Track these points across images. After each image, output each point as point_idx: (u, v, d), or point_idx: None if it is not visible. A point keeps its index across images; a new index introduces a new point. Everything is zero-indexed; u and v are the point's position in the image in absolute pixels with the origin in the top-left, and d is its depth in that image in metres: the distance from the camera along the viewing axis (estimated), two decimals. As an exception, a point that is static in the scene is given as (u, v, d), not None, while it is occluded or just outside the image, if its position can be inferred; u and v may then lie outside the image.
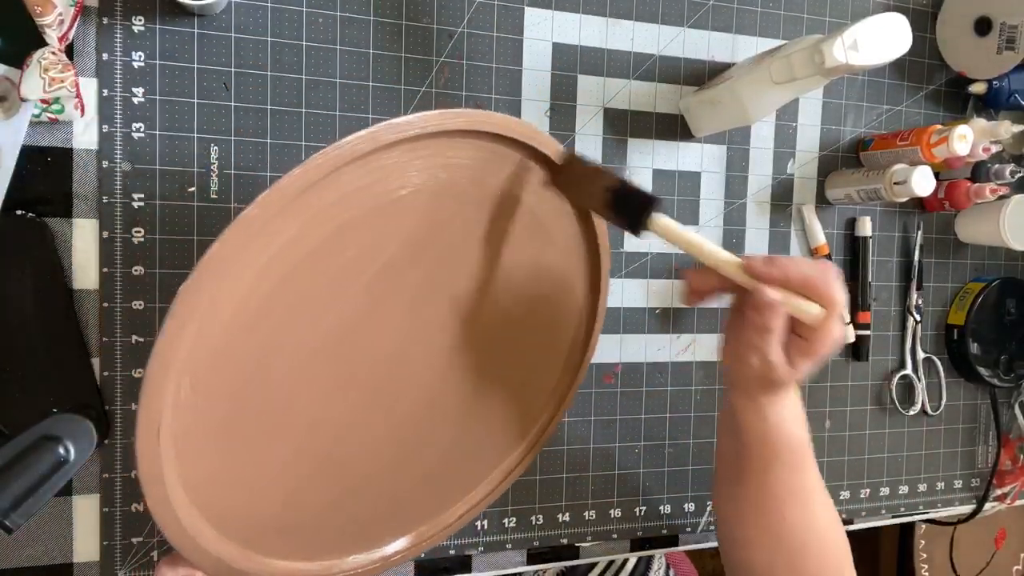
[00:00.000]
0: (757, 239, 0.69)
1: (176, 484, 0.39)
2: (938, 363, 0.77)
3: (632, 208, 0.42)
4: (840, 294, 0.42)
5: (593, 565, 0.78)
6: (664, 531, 0.68)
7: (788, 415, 0.47)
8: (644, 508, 0.67)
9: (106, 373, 0.52)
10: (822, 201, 0.72)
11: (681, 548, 0.70)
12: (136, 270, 0.52)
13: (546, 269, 0.51)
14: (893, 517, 0.78)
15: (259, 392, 0.41)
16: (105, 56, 0.51)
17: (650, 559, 0.81)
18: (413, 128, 0.38)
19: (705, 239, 0.42)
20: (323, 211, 0.38)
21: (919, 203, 0.75)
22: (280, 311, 0.39)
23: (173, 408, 0.37)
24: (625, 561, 0.79)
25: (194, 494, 0.40)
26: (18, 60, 0.47)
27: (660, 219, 0.41)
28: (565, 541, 0.65)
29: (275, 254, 0.37)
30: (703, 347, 0.68)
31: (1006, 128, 0.65)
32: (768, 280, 0.41)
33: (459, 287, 0.48)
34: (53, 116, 0.49)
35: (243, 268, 0.36)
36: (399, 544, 0.53)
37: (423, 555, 0.61)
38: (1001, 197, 0.70)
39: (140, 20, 0.51)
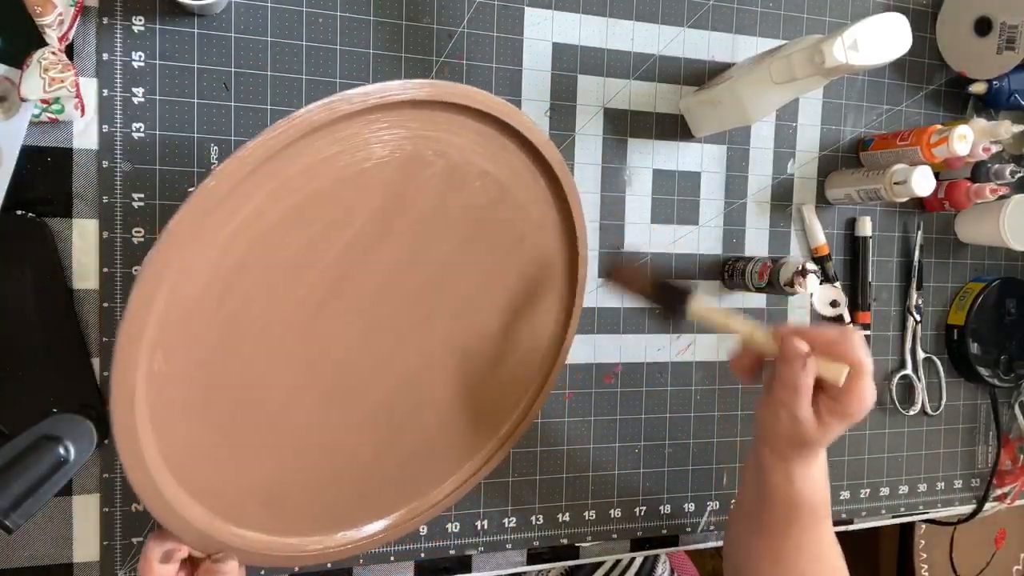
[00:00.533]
0: (757, 239, 0.69)
1: (156, 457, 0.39)
2: (938, 363, 0.77)
3: (672, 299, 0.51)
4: (865, 356, 0.45)
5: (598, 565, 0.78)
6: (664, 531, 0.68)
7: (814, 476, 0.49)
8: (644, 508, 0.67)
9: (106, 373, 0.52)
10: (822, 201, 0.72)
11: (681, 548, 0.70)
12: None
13: (523, 243, 0.51)
14: (893, 517, 0.78)
15: (232, 366, 0.41)
16: (105, 56, 0.51)
17: (655, 560, 0.81)
18: (371, 98, 0.37)
19: (736, 316, 0.48)
20: (286, 183, 0.38)
21: (919, 203, 0.75)
22: (248, 284, 0.39)
23: (147, 381, 0.37)
24: (631, 561, 0.79)
25: (175, 467, 0.40)
26: (18, 60, 0.47)
27: (695, 305, 0.49)
28: (565, 541, 0.65)
29: (240, 225, 0.37)
30: (703, 347, 0.68)
31: (1006, 128, 0.65)
32: (799, 343, 0.45)
33: (434, 263, 0.47)
34: (53, 116, 0.49)
35: (208, 239, 0.36)
36: (381, 524, 0.54)
37: (423, 555, 0.61)
38: (1001, 197, 0.70)
39: (140, 20, 0.51)
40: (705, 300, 0.48)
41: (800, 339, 0.45)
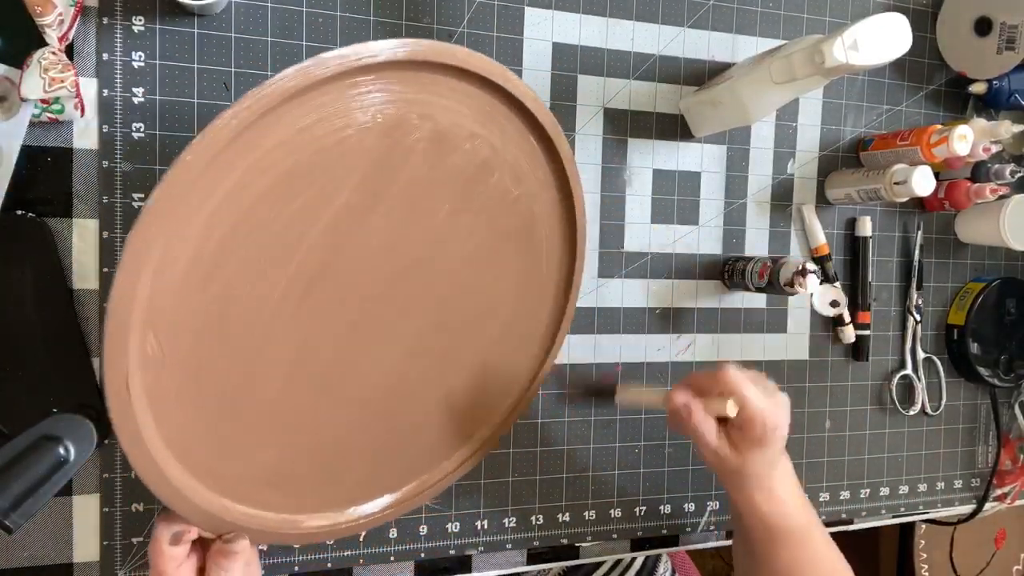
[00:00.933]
0: (757, 239, 0.69)
1: (156, 440, 0.39)
2: (938, 363, 0.77)
3: (603, 393, 0.65)
4: (742, 386, 0.49)
5: (598, 565, 0.78)
6: (664, 531, 0.68)
7: (779, 498, 0.52)
8: (644, 508, 0.67)
9: (106, 373, 0.52)
10: (822, 201, 0.72)
11: (681, 548, 0.70)
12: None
13: (517, 207, 0.50)
14: (893, 517, 0.78)
15: (224, 349, 0.40)
16: (105, 56, 0.51)
17: (657, 560, 0.81)
18: (348, 60, 0.36)
19: (647, 390, 0.63)
20: (266, 155, 0.37)
21: (919, 203, 0.75)
22: (233, 264, 0.39)
23: (141, 365, 0.36)
24: (632, 561, 0.79)
25: (178, 450, 0.40)
26: (18, 60, 0.47)
27: (619, 395, 0.61)
28: (565, 541, 0.65)
29: (222, 200, 0.36)
30: (703, 347, 0.68)
31: (1006, 128, 0.65)
32: (679, 395, 0.51)
33: (426, 232, 0.46)
34: (53, 116, 0.49)
35: (189, 215, 0.35)
36: (389, 498, 0.53)
37: (423, 556, 0.61)
38: (1001, 197, 0.70)
39: (140, 20, 0.51)
40: (628, 390, 0.61)
41: (680, 392, 0.51)
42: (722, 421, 0.51)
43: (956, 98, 0.76)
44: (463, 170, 0.45)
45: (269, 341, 0.42)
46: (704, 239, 0.68)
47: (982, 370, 0.76)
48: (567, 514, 0.65)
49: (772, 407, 0.49)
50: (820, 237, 0.70)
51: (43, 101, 0.48)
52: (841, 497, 0.74)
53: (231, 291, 0.39)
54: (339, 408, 0.48)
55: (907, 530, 1.40)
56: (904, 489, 0.77)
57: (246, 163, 0.36)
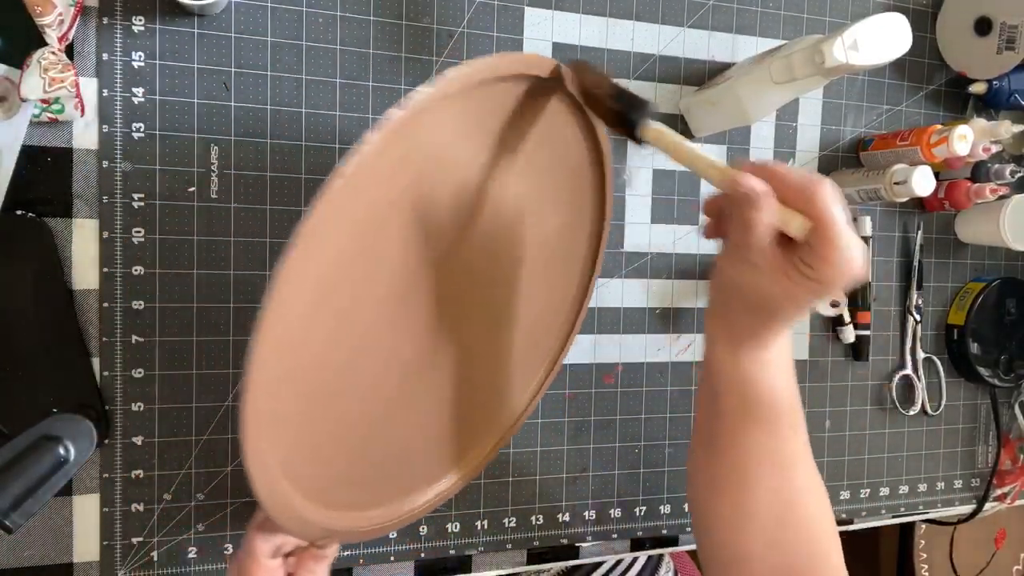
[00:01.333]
0: (757, 239, 0.69)
1: (276, 466, 0.39)
2: (938, 363, 0.77)
3: (631, 111, 0.42)
4: (834, 209, 0.36)
5: (598, 565, 0.78)
6: (664, 531, 0.68)
7: (772, 363, 0.41)
8: (644, 508, 0.67)
9: (106, 373, 0.52)
10: (822, 201, 0.72)
11: (681, 548, 0.70)
12: (136, 270, 0.52)
13: (559, 200, 0.52)
14: (893, 517, 0.78)
15: (334, 359, 0.41)
16: (105, 56, 0.51)
17: (659, 561, 0.81)
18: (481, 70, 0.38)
19: (699, 148, 0.40)
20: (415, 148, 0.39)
21: (919, 203, 0.75)
22: (352, 279, 0.40)
23: (277, 380, 0.37)
24: (634, 561, 0.79)
25: (286, 467, 0.41)
26: (18, 60, 0.47)
27: (654, 126, 0.42)
28: (565, 541, 0.65)
29: (387, 192, 0.38)
30: (703, 347, 0.68)
31: (1006, 128, 0.65)
32: (753, 179, 0.37)
33: (491, 230, 0.48)
34: (53, 116, 0.49)
35: (339, 227, 0.37)
36: (447, 481, 0.55)
37: (423, 556, 0.61)
38: (1001, 197, 0.70)
39: (140, 20, 0.51)
40: (664, 132, 0.41)
41: (758, 177, 0.37)
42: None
43: (956, 98, 0.76)
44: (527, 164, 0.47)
45: (362, 354, 0.43)
46: (704, 239, 0.68)
47: (982, 370, 0.76)
48: (567, 514, 0.65)
49: (860, 252, 0.36)
50: (820, 237, 0.70)
51: (43, 101, 0.48)
52: (841, 497, 0.74)
53: (344, 310, 0.40)
54: (410, 408, 0.49)
55: (907, 530, 1.40)
56: (904, 489, 0.77)
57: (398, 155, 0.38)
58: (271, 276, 0.33)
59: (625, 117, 0.42)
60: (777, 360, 0.42)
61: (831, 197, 0.36)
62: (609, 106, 0.43)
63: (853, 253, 0.36)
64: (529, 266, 0.52)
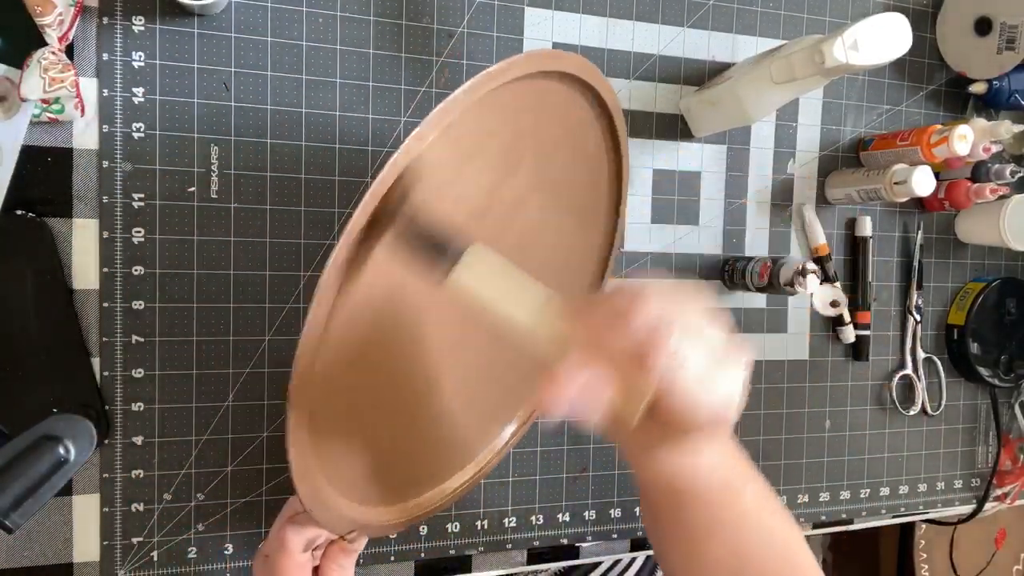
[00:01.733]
0: (757, 239, 0.69)
1: (315, 461, 0.40)
2: (938, 363, 0.77)
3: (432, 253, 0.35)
4: (651, 335, 0.31)
5: (596, 565, 0.78)
6: (664, 531, 0.68)
7: (690, 450, 0.37)
8: (644, 508, 0.67)
9: (106, 373, 0.52)
10: (822, 201, 0.72)
11: (681, 548, 0.70)
12: (136, 270, 0.52)
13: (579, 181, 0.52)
14: (893, 517, 0.78)
15: (378, 360, 0.42)
16: (105, 56, 0.51)
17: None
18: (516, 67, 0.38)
19: (520, 285, 0.34)
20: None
21: (919, 203, 0.75)
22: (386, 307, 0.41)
23: (323, 380, 0.37)
24: (632, 561, 0.79)
25: (324, 463, 0.41)
26: (18, 60, 0.47)
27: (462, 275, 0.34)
28: (565, 541, 0.65)
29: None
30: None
31: (1006, 128, 0.65)
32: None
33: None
34: (53, 116, 0.49)
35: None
36: (471, 470, 0.56)
37: (423, 555, 0.61)
38: (1001, 197, 0.70)
39: (140, 20, 0.51)
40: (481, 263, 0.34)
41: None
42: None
43: (956, 98, 0.76)
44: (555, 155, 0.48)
45: (393, 355, 0.44)
46: (704, 239, 0.68)
47: (982, 370, 0.76)
48: (567, 514, 0.65)
49: (709, 386, 0.32)
50: (820, 237, 0.70)
51: (43, 101, 0.48)
52: (841, 497, 0.74)
53: (396, 299, 0.41)
54: (425, 405, 0.50)
55: (907, 530, 1.40)
56: (904, 489, 0.77)
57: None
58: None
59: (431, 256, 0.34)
60: (695, 444, 0.37)
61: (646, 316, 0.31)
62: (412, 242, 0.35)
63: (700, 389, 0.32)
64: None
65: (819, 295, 0.71)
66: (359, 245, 0.36)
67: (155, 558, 0.54)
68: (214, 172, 0.54)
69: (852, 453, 0.74)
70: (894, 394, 0.75)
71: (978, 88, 0.72)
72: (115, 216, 0.52)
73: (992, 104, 0.74)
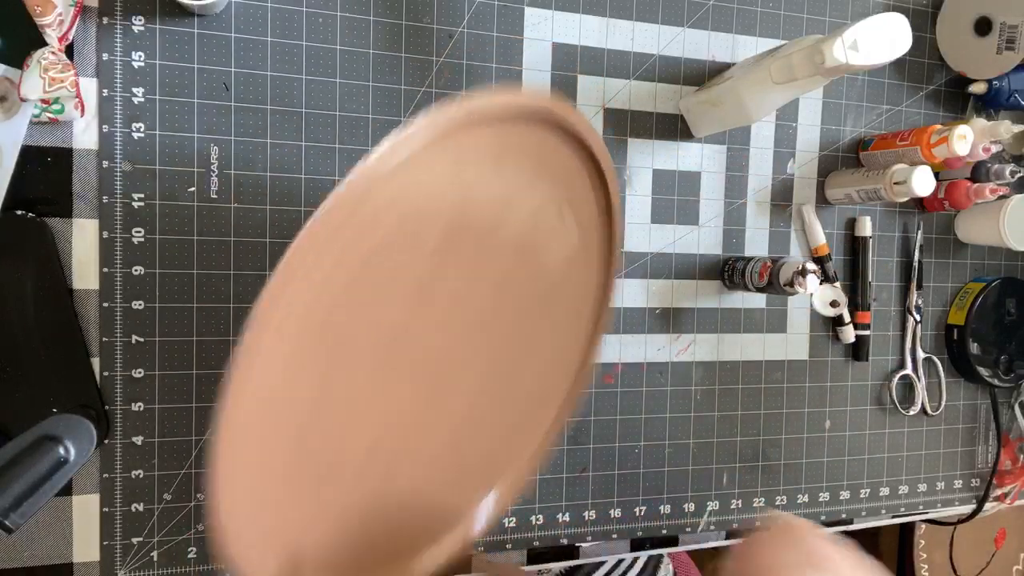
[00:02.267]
0: (757, 239, 0.69)
1: (254, 533, 0.37)
2: (938, 363, 0.77)
3: None
4: None
5: (599, 565, 0.78)
6: (664, 531, 0.68)
7: None
8: (644, 508, 0.67)
9: (106, 373, 0.52)
10: (822, 201, 0.72)
11: (681, 548, 0.70)
12: (136, 270, 0.52)
13: (563, 250, 0.49)
14: (893, 517, 0.78)
15: (320, 413, 0.39)
16: (105, 56, 0.51)
17: (658, 561, 0.81)
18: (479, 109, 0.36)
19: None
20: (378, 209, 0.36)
21: (919, 203, 0.75)
22: (351, 309, 0.37)
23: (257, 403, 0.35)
24: (634, 561, 0.79)
25: (296, 548, 0.39)
26: (18, 60, 0.47)
27: None
28: (565, 541, 0.65)
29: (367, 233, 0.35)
30: (703, 347, 0.68)
31: (1006, 128, 0.65)
32: None
33: (489, 273, 0.45)
34: (53, 116, 0.49)
35: (318, 267, 0.34)
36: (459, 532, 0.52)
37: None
38: (1001, 197, 0.70)
39: (140, 20, 0.51)
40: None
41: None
42: None
43: (956, 98, 0.76)
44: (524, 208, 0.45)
45: (355, 412, 0.41)
46: (704, 239, 0.68)
47: (982, 370, 0.76)
48: (567, 514, 0.65)
49: None
50: (820, 237, 0.70)
51: (43, 101, 0.48)
52: (841, 497, 0.74)
53: (342, 343, 0.38)
54: (406, 460, 0.46)
55: (907, 530, 1.40)
56: (904, 489, 0.77)
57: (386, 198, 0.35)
58: (237, 345, 0.32)
59: None
60: None
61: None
62: None
63: None
64: (529, 316, 0.49)
65: (819, 295, 0.71)
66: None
67: (155, 558, 0.54)
68: (214, 172, 0.54)
69: (852, 453, 0.74)
70: (894, 394, 0.75)
71: (978, 88, 0.72)
72: (115, 216, 0.52)
73: (992, 104, 0.74)
